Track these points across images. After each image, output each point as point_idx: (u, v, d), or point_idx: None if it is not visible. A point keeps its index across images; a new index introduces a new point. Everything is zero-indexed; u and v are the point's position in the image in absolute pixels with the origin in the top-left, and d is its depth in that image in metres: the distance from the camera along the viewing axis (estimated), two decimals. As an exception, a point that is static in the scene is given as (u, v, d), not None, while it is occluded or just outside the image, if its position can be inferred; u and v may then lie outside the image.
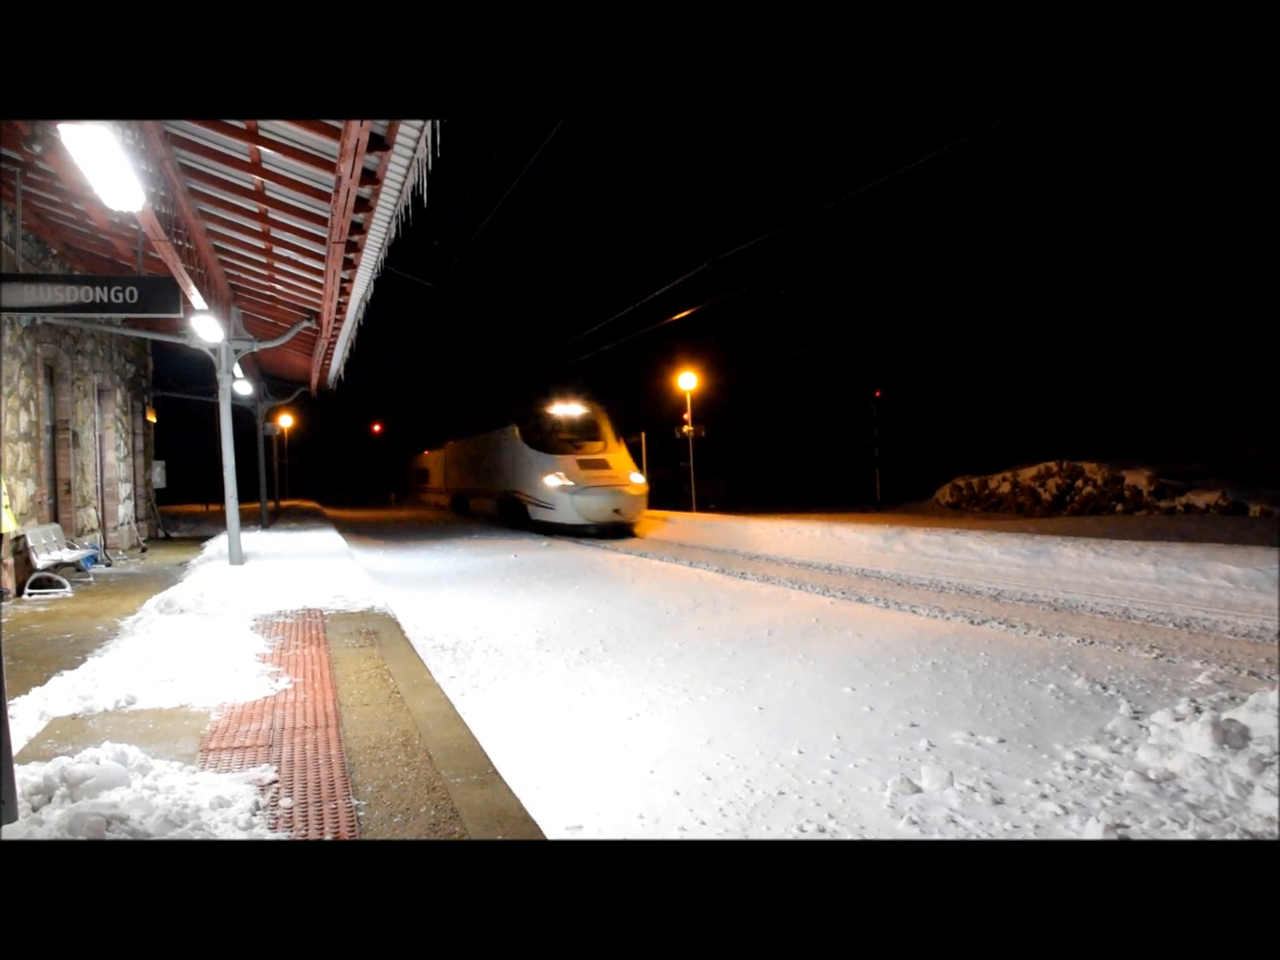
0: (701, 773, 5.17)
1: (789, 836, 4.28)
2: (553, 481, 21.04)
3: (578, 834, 4.42)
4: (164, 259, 8.08)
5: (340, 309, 11.26)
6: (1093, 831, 3.94)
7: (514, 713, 6.59)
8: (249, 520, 19.13)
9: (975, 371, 35.86)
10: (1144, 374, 31.38)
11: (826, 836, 4.24)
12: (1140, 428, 28.77)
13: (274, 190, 8.17)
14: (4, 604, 9.22)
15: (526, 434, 23.01)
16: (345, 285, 9.98)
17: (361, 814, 3.42)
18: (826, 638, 8.17)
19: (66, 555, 10.63)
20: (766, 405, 39.96)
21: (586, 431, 23.05)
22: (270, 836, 3.20)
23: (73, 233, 11.62)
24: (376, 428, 67.75)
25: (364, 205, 7.35)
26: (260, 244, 9.97)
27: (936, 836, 4.15)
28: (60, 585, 10.09)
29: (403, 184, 6.86)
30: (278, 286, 11.89)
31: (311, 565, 12.02)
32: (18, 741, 4.21)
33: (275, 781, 3.78)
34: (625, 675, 7.58)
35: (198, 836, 3.02)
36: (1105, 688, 6.21)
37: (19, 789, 3.16)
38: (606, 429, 23.25)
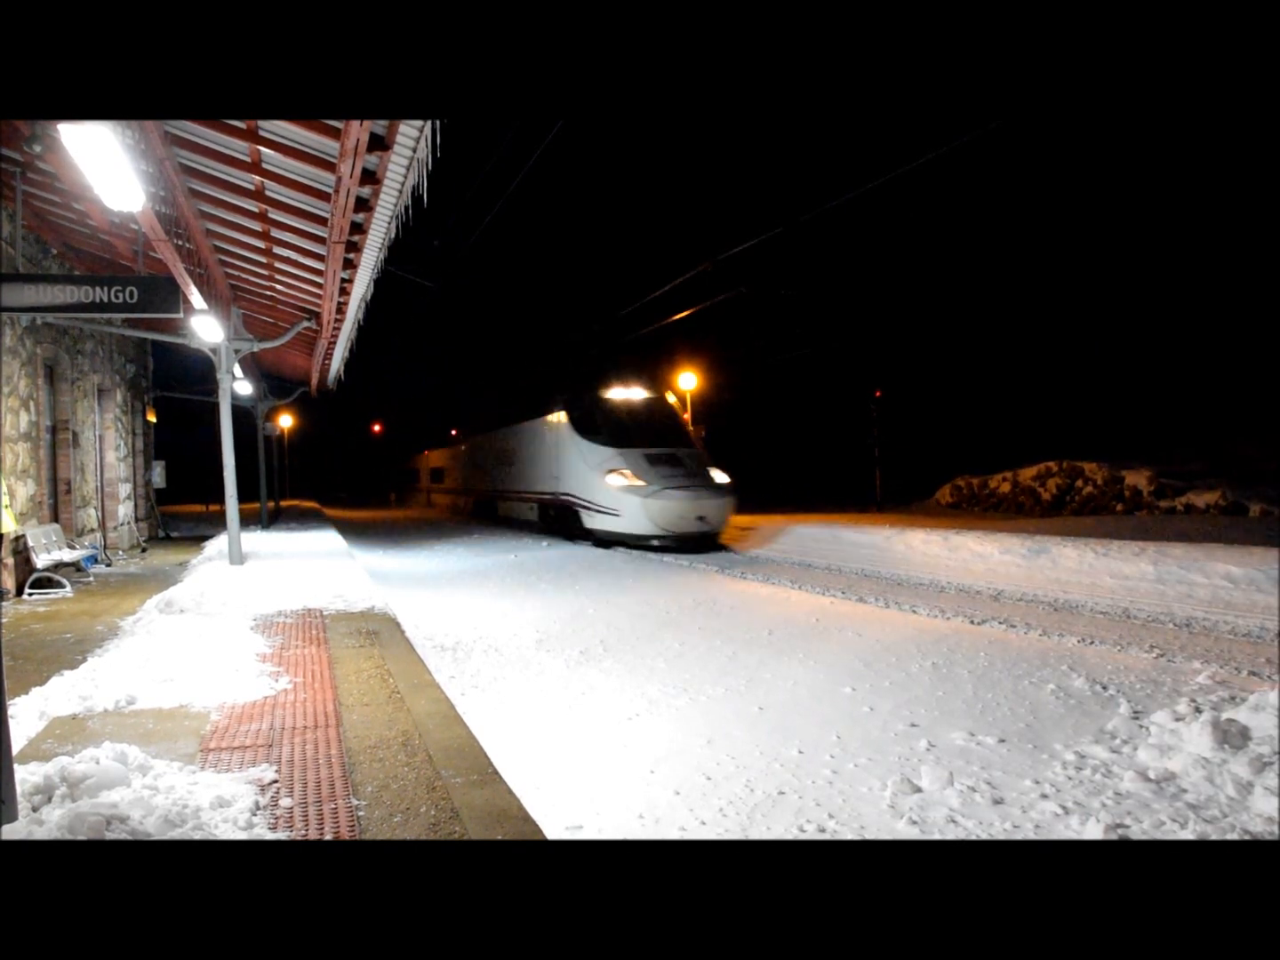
0: (701, 772, 5.17)
1: (789, 836, 4.28)
2: (617, 481, 16.81)
3: (578, 834, 4.42)
4: (164, 259, 8.08)
5: (340, 309, 11.26)
6: (1093, 831, 3.94)
7: (514, 713, 6.59)
8: (249, 520, 19.13)
9: (975, 371, 35.86)
10: (1144, 374, 31.39)
11: (826, 836, 4.24)
12: (1140, 428, 28.79)
13: (274, 190, 8.17)
14: (4, 604, 9.22)
15: (578, 422, 18.64)
16: (345, 285, 9.98)
17: (361, 814, 3.42)
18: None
19: (66, 555, 10.63)
20: (766, 405, 39.97)
21: (655, 419, 18.70)
22: (270, 836, 3.20)
23: (73, 233, 11.62)
24: (376, 428, 67.80)
25: (364, 205, 7.35)
26: (260, 244, 9.97)
27: (936, 836, 4.15)
28: (60, 585, 10.10)
29: (403, 184, 6.87)
30: (278, 286, 11.89)
31: (311, 565, 12.02)
32: (18, 741, 4.21)
33: (275, 781, 3.78)
34: (625, 675, 7.57)
35: (198, 836, 3.02)
36: (1105, 687, 6.22)
37: (19, 789, 3.16)
38: (679, 416, 19.40)
